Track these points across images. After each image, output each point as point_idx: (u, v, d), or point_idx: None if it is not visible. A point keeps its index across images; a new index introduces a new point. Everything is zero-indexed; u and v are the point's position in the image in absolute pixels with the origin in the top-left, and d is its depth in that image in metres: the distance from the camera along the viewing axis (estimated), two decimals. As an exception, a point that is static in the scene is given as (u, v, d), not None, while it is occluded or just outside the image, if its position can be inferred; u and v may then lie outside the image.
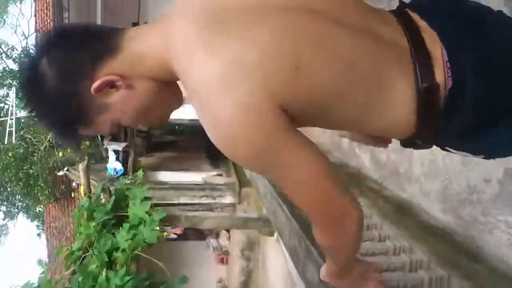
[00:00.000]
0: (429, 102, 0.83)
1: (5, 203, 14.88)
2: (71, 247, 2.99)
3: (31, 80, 0.86)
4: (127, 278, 2.14)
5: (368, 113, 0.86)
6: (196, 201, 7.68)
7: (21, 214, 16.25)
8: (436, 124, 0.85)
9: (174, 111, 0.96)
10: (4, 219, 17.87)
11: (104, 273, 2.21)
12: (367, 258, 2.34)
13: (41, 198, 9.55)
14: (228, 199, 6.28)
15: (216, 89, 0.74)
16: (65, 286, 2.33)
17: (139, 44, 0.85)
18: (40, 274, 2.56)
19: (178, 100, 0.95)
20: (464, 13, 0.89)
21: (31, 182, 9.45)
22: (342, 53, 0.81)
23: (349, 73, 0.81)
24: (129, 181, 4.81)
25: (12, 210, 15.71)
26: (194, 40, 0.78)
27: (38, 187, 9.38)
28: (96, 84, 0.83)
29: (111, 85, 0.85)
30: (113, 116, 0.88)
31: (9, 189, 12.22)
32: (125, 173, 6.55)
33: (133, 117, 0.89)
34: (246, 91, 0.74)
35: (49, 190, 9.34)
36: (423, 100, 0.83)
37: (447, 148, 0.94)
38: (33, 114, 0.87)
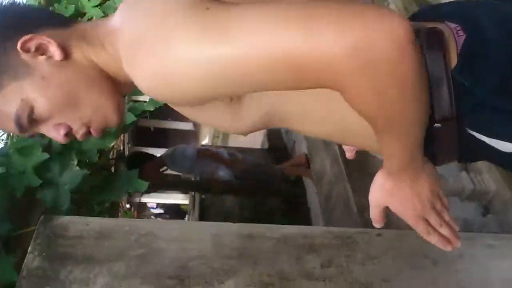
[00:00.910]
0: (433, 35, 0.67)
1: None
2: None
3: None
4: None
5: None
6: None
7: None
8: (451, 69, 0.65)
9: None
10: None
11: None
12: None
13: None
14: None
15: None
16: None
17: (97, 25, 0.74)
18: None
19: (117, 109, 0.76)
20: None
21: None
22: None
23: None
24: None
25: None
26: None
27: None
28: (25, 38, 0.68)
29: (42, 51, 0.70)
30: (29, 87, 0.69)
31: None
32: None
33: (55, 100, 0.71)
34: None
35: None
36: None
37: (473, 133, 0.69)
38: None
